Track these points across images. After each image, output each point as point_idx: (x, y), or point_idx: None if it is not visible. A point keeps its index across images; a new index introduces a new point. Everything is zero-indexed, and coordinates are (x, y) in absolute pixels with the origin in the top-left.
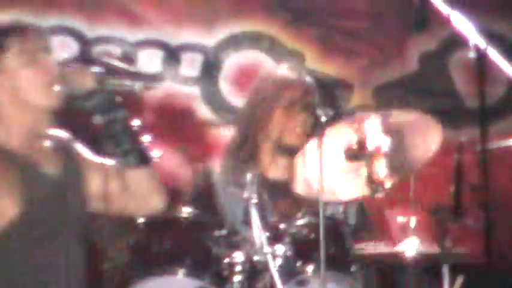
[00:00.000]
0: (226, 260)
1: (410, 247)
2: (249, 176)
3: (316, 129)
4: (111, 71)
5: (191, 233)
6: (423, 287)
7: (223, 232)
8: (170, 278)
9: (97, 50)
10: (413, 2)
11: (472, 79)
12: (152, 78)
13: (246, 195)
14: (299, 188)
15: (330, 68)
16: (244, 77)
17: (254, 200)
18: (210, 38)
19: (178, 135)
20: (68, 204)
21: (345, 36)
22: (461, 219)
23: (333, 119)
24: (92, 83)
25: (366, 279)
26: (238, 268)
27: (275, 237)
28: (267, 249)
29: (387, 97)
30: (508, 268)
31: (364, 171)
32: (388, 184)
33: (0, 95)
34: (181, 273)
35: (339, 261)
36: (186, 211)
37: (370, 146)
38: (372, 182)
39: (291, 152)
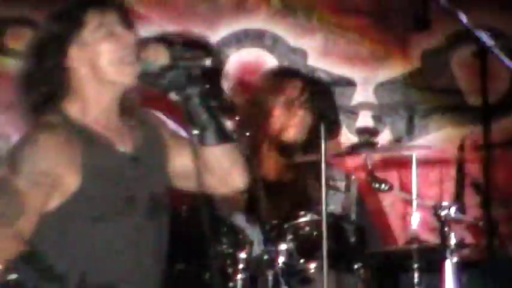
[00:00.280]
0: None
1: (413, 244)
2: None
3: (318, 129)
4: (185, 46)
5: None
6: (425, 284)
7: (225, 230)
8: None
9: None
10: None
11: (474, 76)
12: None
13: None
14: None
15: (332, 66)
16: (246, 74)
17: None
18: (213, 36)
19: None
20: (143, 184)
21: (347, 33)
22: (463, 217)
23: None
24: (165, 60)
25: (368, 276)
26: (241, 266)
27: (278, 235)
28: (269, 247)
29: (390, 95)
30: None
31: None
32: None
33: (79, 69)
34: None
35: (342, 258)
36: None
37: None
38: (375, 178)
39: (290, 150)
